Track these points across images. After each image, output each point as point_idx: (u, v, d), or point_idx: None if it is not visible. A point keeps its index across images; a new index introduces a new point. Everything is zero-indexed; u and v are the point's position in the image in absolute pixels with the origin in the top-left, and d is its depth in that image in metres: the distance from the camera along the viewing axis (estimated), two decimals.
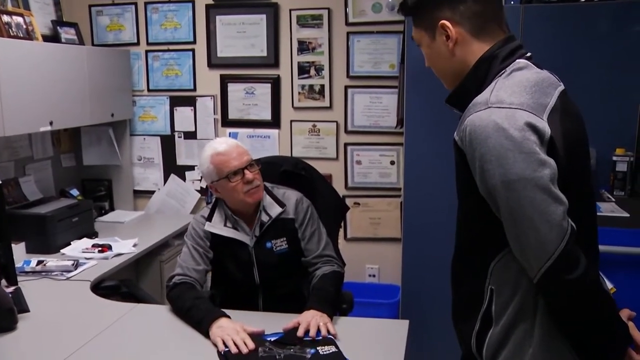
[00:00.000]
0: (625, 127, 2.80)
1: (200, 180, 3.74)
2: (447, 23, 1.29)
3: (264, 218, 2.20)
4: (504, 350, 1.27)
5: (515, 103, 1.17)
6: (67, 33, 3.44)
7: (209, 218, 2.22)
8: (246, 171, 2.13)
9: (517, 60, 1.28)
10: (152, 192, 3.87)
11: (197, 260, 2.17)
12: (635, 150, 2.76)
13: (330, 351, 1.74)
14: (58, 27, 3.39)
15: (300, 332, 1.83)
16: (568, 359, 1.24)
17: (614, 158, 2.70)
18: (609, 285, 2.14)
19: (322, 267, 2.20)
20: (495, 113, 1.17)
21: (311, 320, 1.87)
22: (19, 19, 3.03)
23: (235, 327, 1.85)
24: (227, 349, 1.77)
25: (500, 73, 1.27)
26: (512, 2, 2.87)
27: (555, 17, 2.79)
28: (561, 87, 1.29)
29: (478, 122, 1.18)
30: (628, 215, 2.40)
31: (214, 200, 2.28)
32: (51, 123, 2.93)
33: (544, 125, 1.17)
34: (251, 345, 1.78)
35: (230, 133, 3.67)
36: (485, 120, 1.17)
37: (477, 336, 1.31)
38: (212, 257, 2.21)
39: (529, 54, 1.32)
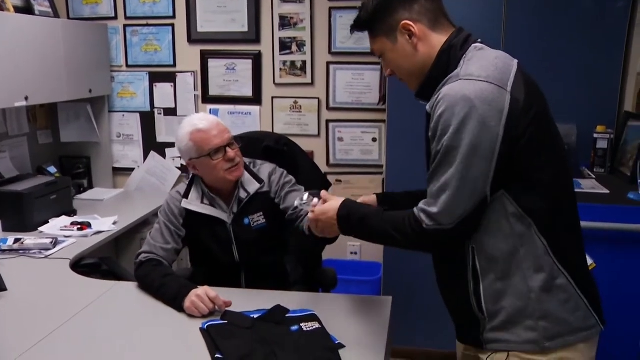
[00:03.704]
0: (606, 104, 2.82)
1: (181, 157, 3.69)
2: (409, 22, 1.41)
3: (242, 194, 2.18)
4: (505, 299, 1.34)
5: (483, 76, 1.29)
6: (40, 5, 3.34)
7: (186, 195, 2.19)
8: (228, 149, 2.10)
9: (473, 45, 1.41)
10: (132, 170, 3.82)
11: (167, 239, 2.15)
12: (615, 128, 2.79)
13: (314, 327, 1.74)
14: None
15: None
16: (572, 292, 1.34)
17: (595, 135, 2.72)
18: (590, 260, 2.17)
19: None
20: (465, 85, 1.29)
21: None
22: None
23: (202, 290, 1.87)
24: (208, 323, 1.77)
25: (462, 58, 1.37)
26: None
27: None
28: (516, 61, 1.39)
29: (449, 91, 1.30)
30: (608, 191, 2.43)
31: (190, 176, 2.25)
32: (26, 98, 2.86)
33: (507, 98, 1.27)
34: (220, 302, 1.85)
35: (210, 109, 3.62)
36: (455, 90, 1.29)
37: (475, 294, 1.37)
38: (184, 235, 2.18)
39: (480, 40, 1.44)
